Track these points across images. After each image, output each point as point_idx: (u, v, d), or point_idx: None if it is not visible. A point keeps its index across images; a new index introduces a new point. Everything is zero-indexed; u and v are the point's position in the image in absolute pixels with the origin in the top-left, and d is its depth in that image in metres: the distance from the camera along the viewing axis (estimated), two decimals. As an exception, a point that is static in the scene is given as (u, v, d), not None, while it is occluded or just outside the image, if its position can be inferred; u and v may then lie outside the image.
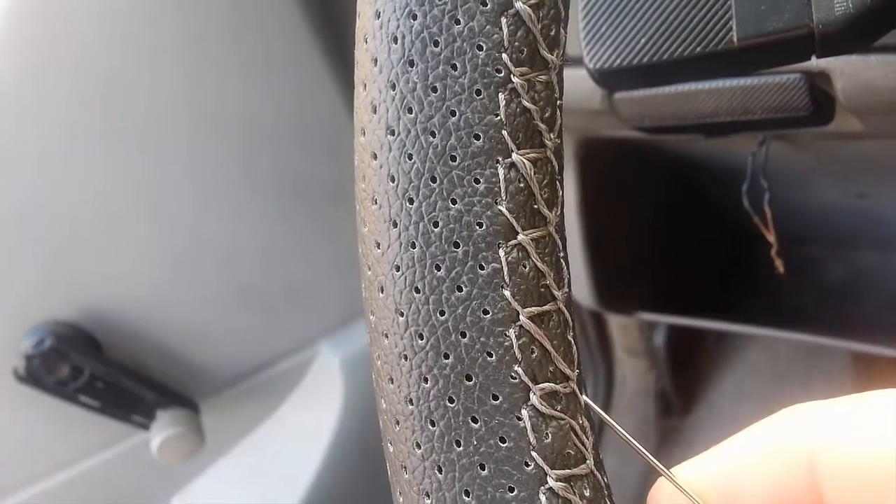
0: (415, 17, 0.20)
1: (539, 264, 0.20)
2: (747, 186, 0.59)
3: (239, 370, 0.84)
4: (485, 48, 0.20)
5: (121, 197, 0.74)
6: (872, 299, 0.78)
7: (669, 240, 0.80)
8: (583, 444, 0.20)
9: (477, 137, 0.20)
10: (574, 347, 0.21)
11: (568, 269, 0.21)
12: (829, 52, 0.28)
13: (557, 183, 0.21)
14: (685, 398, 1.01)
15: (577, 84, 0.47)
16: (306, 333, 0.87)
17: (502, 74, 0.20)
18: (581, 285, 0.72)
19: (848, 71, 0.38)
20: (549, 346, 0.20)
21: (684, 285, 0.80)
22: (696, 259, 0.82)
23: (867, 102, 0.39)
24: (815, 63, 0.39)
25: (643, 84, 0.32)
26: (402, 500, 0.21)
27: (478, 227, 0.20)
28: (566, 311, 0.21)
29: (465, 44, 0.20)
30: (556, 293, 0.21)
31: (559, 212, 0.21)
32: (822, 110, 0.41)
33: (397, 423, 0.21)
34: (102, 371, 0.73)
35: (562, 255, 0.21)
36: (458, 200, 0.20)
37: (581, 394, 0.21)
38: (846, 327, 0.70)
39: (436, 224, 0.20)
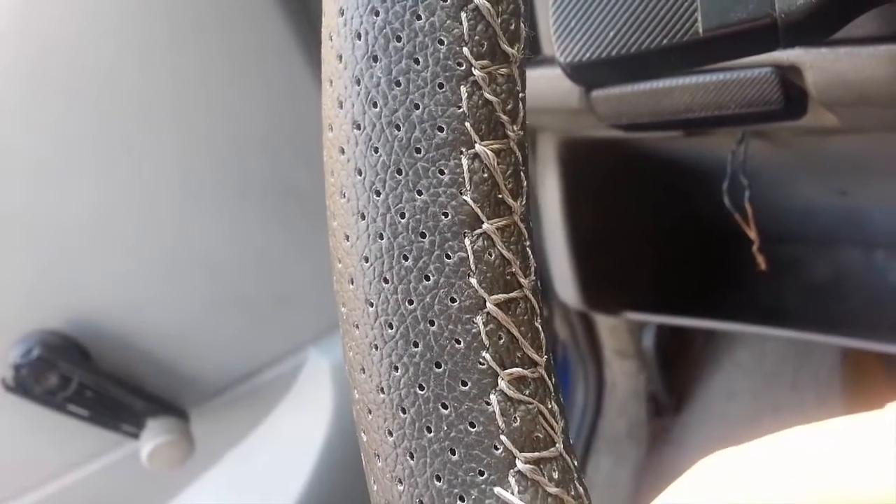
0: (377, 14, 0.21)
1: (505, 252, 0.21)
2: (727, 185, 0.60)
3: (228, 377, 0.84)
4: (446, 42, 0.20)
5: (109, 205, 0.74)
6: (856, 297, 0.79)
7: (654, 240, 0.80)
8: (551, 428, 0.20)
9: (440, 129, 0.20)
10: (542, 334, 0.21)
11: (535, 258, 0.22)
12: (793, 41, 0.28)
13: (522, 174, 0.22)
14: (675, 398, 1.02)
15: (555, 83, 0.48)
16: (295, 340, 0.88)
17: (463, 67, 0.20)
18: (567, 286, 0.73)
19: (818, 64, 0.39)
20: (516, 333, 0.20)
21: (670, 285, 0.81)
22: (681, 259, 0.83)
23: (838, 95, 0.39)
24: (785, 57, 0.40)
25: (614, 77, 0.32)
26: (375, 487, 0.21)
27: (443, 217, 0.20)
28: (533, 299, 0.21)
29: (426, 38, 0.20)
30: (523, 280, 0.21)
31: (524, 202, 0.22)
32: (795, 104, 0.42)
33: (369, 411, 0.21)
34: (91, 380, 0.73)
35: (528, 244, 0.21)
36: (423, 191, 0.20)
37: (550, 380, 0.21)
38: (831, 325, 0.70)
39: (402, 215, 0.20)
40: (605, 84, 0.44)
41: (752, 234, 0.60)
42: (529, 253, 0.21)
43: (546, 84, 0.50)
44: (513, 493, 0.19)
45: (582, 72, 0.32)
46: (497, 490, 0.20)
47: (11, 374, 0.70)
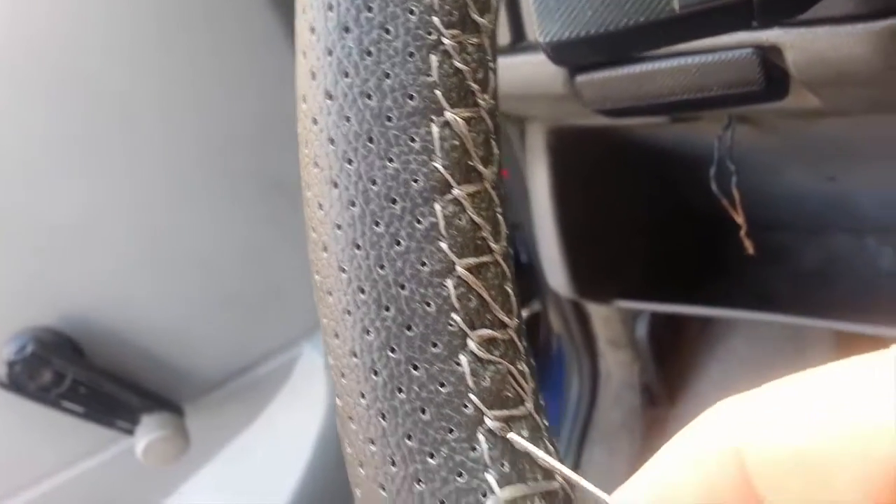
0: None
1: (475, 218, 0.21)
2: (715, 171, 0.60)
3: (223, 372, 0.85)
4: (416, 12, 0.21)
5: (100, 203, 0.75)
6: (847, 283, 0.79)
7: (643, 228, 0.81)
8: (521, 388, 0.21)
9: (411, 98, 0.21)
10: (513, 298, 0.21)
11: (507, 225, 0.22)
12: (768, 17, 0.29)
13: (493, 142, 0.22)
14: (670, 388, 1.02)
15: (540, 69, 0.48)
16: (289, 334, 0.88)
17: (434, 37, 0.21)
18: (557, 274, 0.73)
19: (797, 44, 0.39)
20: (486, 296, 0.21)
21: (660, 273, 0.81)
22: (671, 247, 0.83)
23: (818, 74, 0.40)
24: (765, 37, 0.40)
25: (594, 56, 0.33)
26: (350, 451, 0.21)
27: (414, 183, 0.21)
28: (504, 264, 0.21)
29: (397, 8, 0.21)
30: (493, 245, 0.21)
31: (496, 169, 0.22)
32: (776, 84, 0.42)
33: (343, 375, 0.21)
34: (85, 376, 0.73)
35: (499, 210, 0.22)
36: (394, 159, 0.21)
37: (521, 342, 0.21)
38: (823, 311, 0.70)
39: (374, 182, 0.21)
40: (586, 65, 0.45)
41: (740, 219, 0.60)
42: (501, 220, 0.22)
43: (531, 70, 0.50)
44: (485, 450, 0.20)
45: (562, 51, 0.33)
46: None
47: (5, 370, 0.70)
